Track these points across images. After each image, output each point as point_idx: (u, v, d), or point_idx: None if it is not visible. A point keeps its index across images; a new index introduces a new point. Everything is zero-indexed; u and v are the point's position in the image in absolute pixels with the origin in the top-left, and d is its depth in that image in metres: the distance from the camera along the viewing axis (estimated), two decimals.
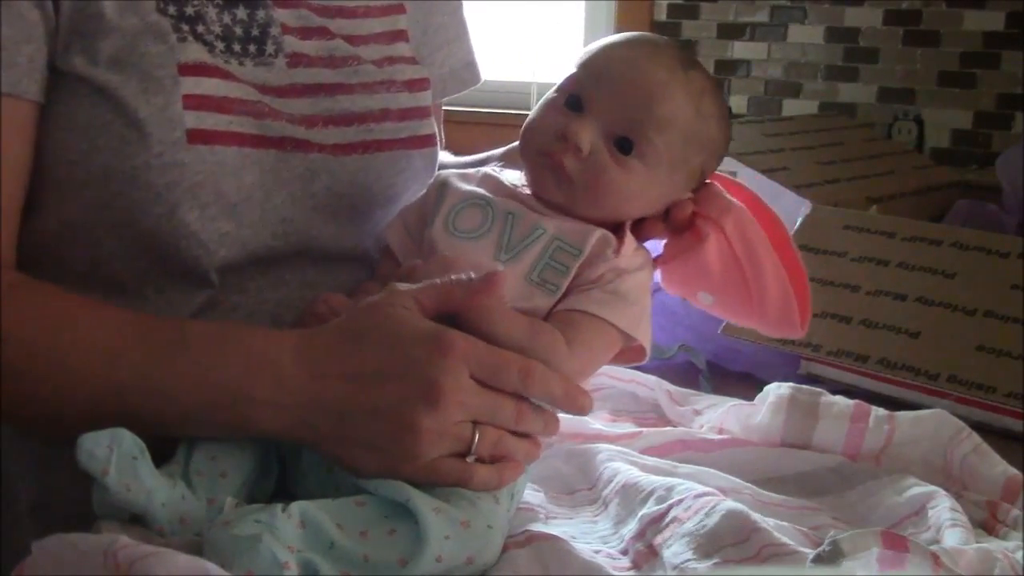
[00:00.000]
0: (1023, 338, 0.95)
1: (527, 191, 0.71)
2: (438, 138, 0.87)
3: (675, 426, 0.85)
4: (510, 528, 0.64)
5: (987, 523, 0.69)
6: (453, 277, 0.63)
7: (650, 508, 0.65)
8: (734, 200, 0.73)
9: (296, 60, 0.76)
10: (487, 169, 0.74)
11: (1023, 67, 2.27)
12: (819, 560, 0.54)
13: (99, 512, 0.59)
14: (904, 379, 0.96)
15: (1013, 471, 0.72)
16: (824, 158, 1.58)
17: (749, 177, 1.38)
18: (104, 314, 0.66)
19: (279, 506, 0.56)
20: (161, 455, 0.62)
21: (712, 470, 0.73)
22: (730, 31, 2.55)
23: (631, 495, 0.68)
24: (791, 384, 0.81)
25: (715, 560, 0.59)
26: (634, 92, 0.68)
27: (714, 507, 0.62)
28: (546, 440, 0.80)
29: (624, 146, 0.68)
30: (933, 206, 1.55)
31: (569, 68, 0.72)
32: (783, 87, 2.51)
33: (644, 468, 0.72)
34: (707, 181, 0.74)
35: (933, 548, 0.56)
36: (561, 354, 0.65)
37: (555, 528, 0.65)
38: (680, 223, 0.72)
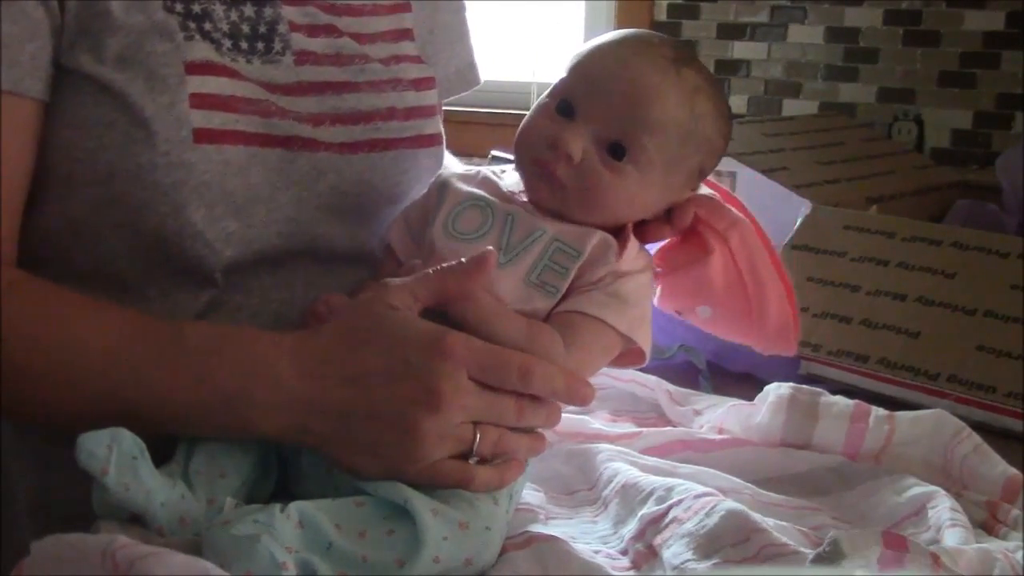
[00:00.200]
0: (1023, 338, 0.95)
1: (525, 197, 0.71)
2: (443, 137, 0.87)
3: (675, 426, 0.85)
4: (509, 529, 0.64)
5: (987, 523, 0.69)
6: (444, 266, 0.63)
7: (650, 508, 0.65)
8: (739, 214, 0.73)
9: (303, 58, 0.76)
10: (487, 172, 0.74)
11: (1023, 67, 2.27)
12: (819, 560, 0.54)
13: (98, 511, 0.59)
14: (904, 379, 0.96)
15: (1013, 471, 0.72)
16: (824, 158, 1.57)
17: (749, 177, 1.38)
18: (104, 313, 0.66)
19: (278, 506, 0.56)
20: (161, 455, 0.62)
21: (712, 470, 0.73)
22: (730, 31, 2.55)
23: (631, 495, 0.68)
24: (791, 384, 0.81)
25: (715, 560, 0.59)
26: (624, 97, 0.67)
27: (714, 507, 0.62)
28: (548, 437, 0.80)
29: (617, 151, 0.67)
30: (933, 206, 1.55)
31: (561, 71, 0.71)
32: (783, 87, 2.51)
33: (644, 468, 0.72)
34: (711, 196, 0.73)
35: (933, 548, 0.56)
36: (559, 355, 0.64)
37: (555, 529, 0.65)
38: (683, 226, 0.72)
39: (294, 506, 0.56)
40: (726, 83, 2.55)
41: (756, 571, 0.57)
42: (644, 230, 0.72)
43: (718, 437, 0.80)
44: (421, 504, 0.57)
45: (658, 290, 0.76)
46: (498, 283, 0.66)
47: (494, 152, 2.04)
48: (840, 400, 0.80)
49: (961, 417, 0.77)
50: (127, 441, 0.58)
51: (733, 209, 0.73)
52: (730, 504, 0.63)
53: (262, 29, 0.74)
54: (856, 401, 0.80)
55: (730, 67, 2.56)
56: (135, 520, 0.59)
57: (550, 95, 0.70)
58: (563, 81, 0.70)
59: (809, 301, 1.05)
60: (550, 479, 0.75)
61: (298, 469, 0.66)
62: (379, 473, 0.59)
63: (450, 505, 0.59)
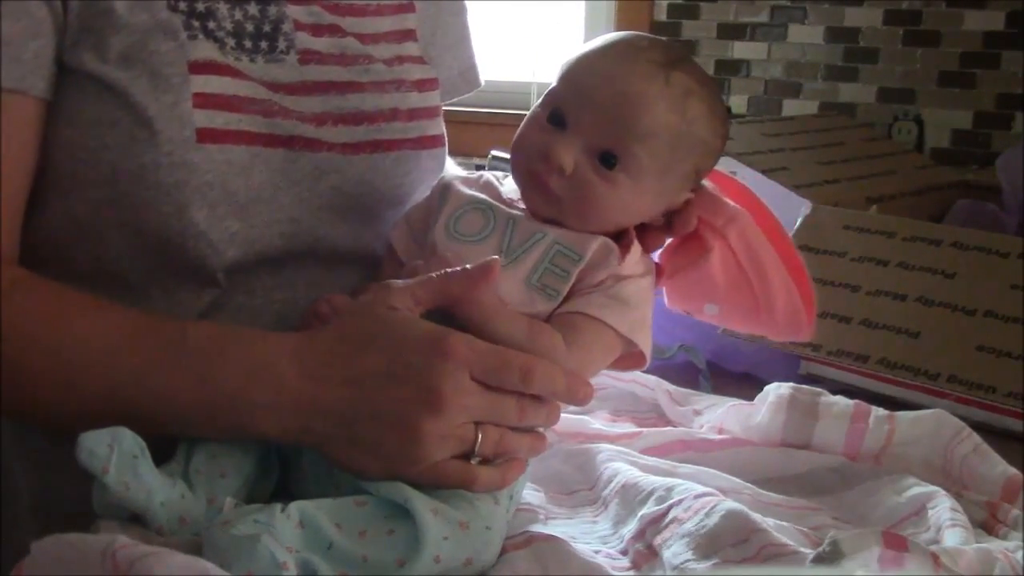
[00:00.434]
0: (1023, 338, 0.95)
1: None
2: (446, 139, 0.87)
3: (675, 426, 0.85)
4: (509, 529, 0.64)
5: (987, 523, 0.69)
6: (448, 271, 0.63)
7: (650, 508, 0.65)
8: (735, 206, 0.72)
9: (308, 57, 0.76)
10: (489, 176, 0.74)
11: (1023, 67, 2.27)
12: (819, 560, 0.54)
13: (99, 511, 0.59)
14: (904, 379, 0.96)
15: (1013, 471, 0.72)
16: (824, 158, 1.57)
17: (749, 177, 1.38)
18: (106, 313, 0.66)
19: (278, 506, 0.56)
20: (162, 455, 0.62)
21: (712, 470, 0.73)
22: (730, 31, 2.55)
23: (631, 495, 0.68)
24: (791, 384, 0.81)
25: (715, 560, 0.59)
26: (613, 106, 0.67)
27: (714, 507, 0.62)
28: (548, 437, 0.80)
29: (608, 160, 0.67)
30: (933, 206, 1.55)
31: (552, 80, 0.71)
32: (783, 87, 2.51)
33: (644, 468, 0.72)
34: (706, 188, 0.73)
35: (933, 548, 0.56)
36: (560, 355, 0.64)
37: (555, 528, 0.65)
38: (685, 231, 0.72)
39: (294, 506, 0.56)
40: (726, 83, 2.55)
41: (756, 571, 0.57)
42: (644, 236, 0.72)
43: (718, 437, 0.80)
44: (422, 504, 0.57)
45: (664, 292, 0.76)
46: (499, 286, 0.66)
47: (494, 152, 2.04)
48: (840, 400, 0.80)
49: (961, 417, 0.77)
50: (128, 440, 0.58)
51: (730, 202, 0.72)
52: (730, 504, 0.63)
53: (266, 28, 0.74)
54: (856, 401, 0.79)
55: (730, 67, 2.56)
56: (135, 520, 0.59)
57: (542, 105, 0.70)
58: (554, 90, 0.70)
59: None
60: (550, 479, 0.75)
61: (298, 469, 0.66)
62: (381, 474, 0.59)
63: (450, 505, 0.59)
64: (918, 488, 0.70)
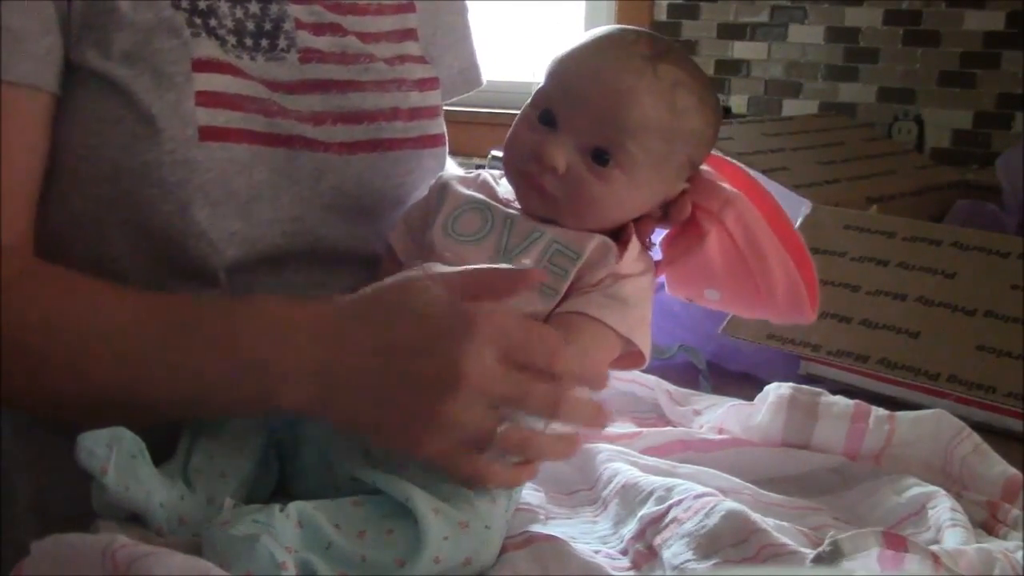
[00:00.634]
0: (1023, 338, 0.95)
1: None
2: (446, 138, 0.86)
3: (675, 426, 0.85)
4: (509, 529, 0.64)
5: (987, 523, 0.69)
6: (489, 267, 0.62)
7: (650, 508, 0.65)
8: (731, 189, 0.72)
9: (308, 56, 0.76)
10: (486, 175, 0.74)
11: (1023, 67, 2.27)
12: (819, 560, 0.54)
13: (98, 511, 0.59)
14: (904, 379, 0.96)
15: (1013, 471, 0.72)
16: (824, 158, 1.57)
17: None
18: (118, 293, 0.65)
19: (277, 506, 0.56)
20: (162, 454, 0.62)
21: (712, 470, 0.73)
22: (730, 31, 2.55)
23: (631, 495, 0.68)
24: (791, 384, 0.81)
25: (715, 560, 0.59)
26: (602, 103, 0.66)
27: (714, 507, 0.62)
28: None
29: (601, 157, 0.67)
30: (933, 206, 1.55)
31: (541, 78, 0.71)
32: (783, 87, 2.51)
33: (644, 468, 0.72)
34: (699, 173, 0.73)
35: (933, 548, 0.56)
36: None
37: (554, 529, 0.65)
38: (681, 220, 0.72)
39: (293, 506, 0.56)
40: (726, 83, 2.55)
41: (756, 571, 0.57)
42: (640, 227, 0.72)
43: (718, 437, 0.80)
44: (423, 503, 0.57)
45: (664, 279, 0.76)
46: None
47: (494, 152, 2.04)
48: (840, 400, 0.80)
49: (961, 417, 0.77)
50: (127, 441, 0.58)
51: (725, 185, 0.72)
52: (730, 504, 0.63)
53: (267, 26, 0.74)
54: (856, 401, 0.79)
55: (730, 67, 2.56)
56: (134, 520, 0.59)
57: (532, 104, 0.70)
58: (542, 89, 0.70)
59: None
60: (550, 479, 0.75)
61: (297, 469, 0.66)
62: (396, 449, 0.59)
63: (451, 504, 0.59)
64: (918, 488, 0.70)
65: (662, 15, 2.59)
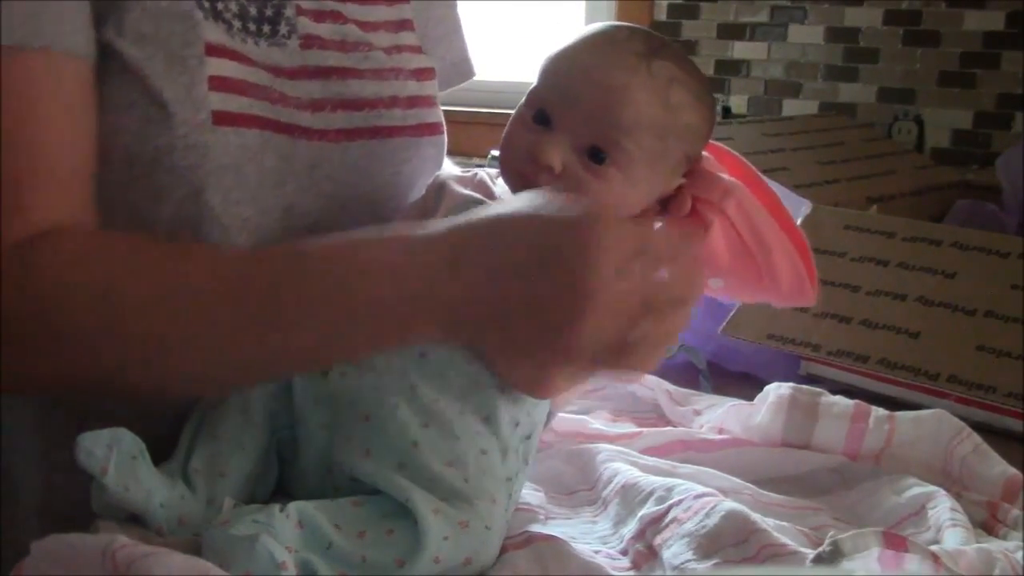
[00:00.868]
0: (1023, 338, 0.95)
1: None
2: (444, 127, 0.86)
3: (675, 426, 0.85)
4: (509, 529, 0.64)
5: (987, 523, 0.69)
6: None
7: (650, 508, 0.65)
8: (730, 179, 0.71)
9: (309, 42, 0.76)
10: (483, 175, 0.74)
11: (1023, 67, 2.27)
12: (819, 560, 0.54)
13: (98, 511, 0.59)
14: (904, 379, 0.96)
15: (1013, 471, 0.72)
16: (824, 158, 1.58)
17: None
18: (207, 250, 0.62)
19: (277, 506, 0.56)
20: (161, 455, 0.62)
21: (712, 470, 0.73)
22: (730, 31, 2.55)
23: (631, 495, 0.68)
24: (791, 384, 0.81)
25: (715, 560, 0.59)
26: (596, 102, 0.66)
27: (714, 507, 0.62)
28: (547, 437, 0.79)
29: (597, 156, 0.66)
30: (933, 206, 1.55)
31: (534, 77, 0.71)
32: (783, 87, 2.51)
33: (644, 468, 0.72)
34: (704, 156, 0.73)
35: (933, 548, 0.56)
36: None
37: (554, 529, 0.65)
38: (682, 215, 0.72)
39: (293, 506, 0.56)
40: (726, 83, 2.55)
41: (756, 571, 0.57)
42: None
43: (718, 437, 0.80)
44: (423, 503, 0.57)
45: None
46: None
47: (493, 152, 2.04)
48: (840, 400, 0.80)
49: (961, 417, 0.77)
50: (127, 441, 0.58)
51: (724, 175, 0.72)
52: (730, 504, 0.63)
53: (269, 12, 0.74)
54: (856, 401, 0.79)
55: (730, 67, 2.56)
56: (134, 520, 0.59)
57: (526, 104, 0.70)
58: (536, 89, 0.70)
59: None
60: (550, 479, 0.75)
61: (297, 469, 0.66)
62: (533, 370, 0.59)
63: (450, 504, 0.59)
64: (918, 488, 0.70)
65: (662, 15, 2.59)
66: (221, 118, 0.68)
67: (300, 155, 0.73)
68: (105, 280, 0.61)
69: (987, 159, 2.13)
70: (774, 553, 0.58)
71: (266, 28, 0.73)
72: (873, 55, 2.41)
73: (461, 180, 0.73)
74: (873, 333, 1.01)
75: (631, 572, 0.62)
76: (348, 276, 0.59)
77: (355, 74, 0.77)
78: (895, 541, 0.54)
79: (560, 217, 0.58)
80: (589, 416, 0.86)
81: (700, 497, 0.64)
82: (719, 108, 2.46)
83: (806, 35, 2.48)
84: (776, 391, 0.81)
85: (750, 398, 0.83)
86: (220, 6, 0.70)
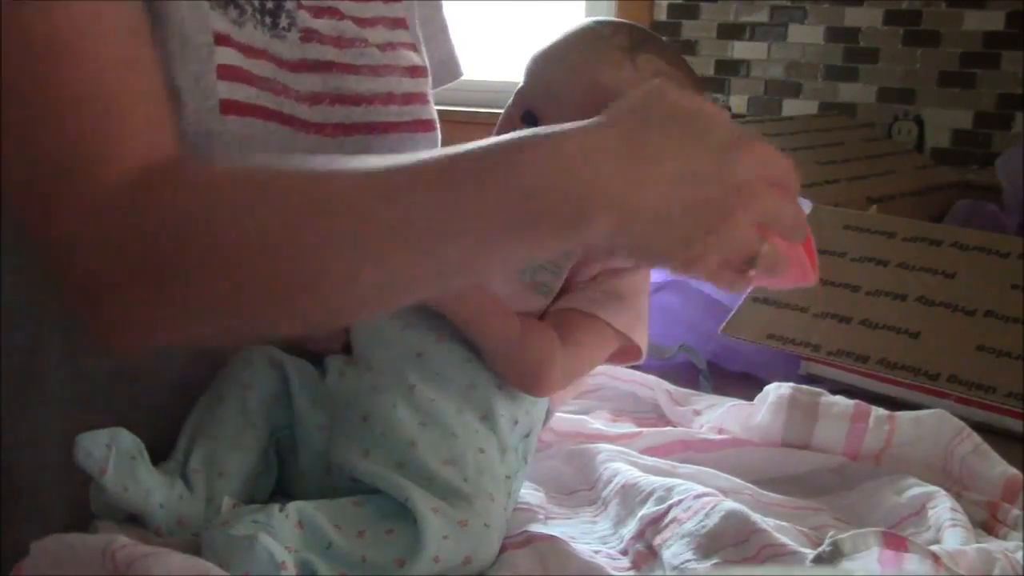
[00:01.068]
0: (1023, 338, 0.95)
1: None
2: (437, 124, 0.86)
3: (675, 426, 0.85)
4: (509, 528, 0.64)
5: (987, 523, 0.69)
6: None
7: (650, 508, 0.65)
8: None
9: (308, 36, 0.75)
10: None
11: (1023, 67, 2.26)
12: (819, 560, 0.54)
13: (96, 511, 0.59)
14: (904, 379, 0.96)
15: (1013, 471, 0.72)
16: (824, 158, 1.58)
17: None
18: (355, 168, 0.58)
19: (276, 506, 0.56)
20: (161, 455, 0.62)
21: (712, 470, 0.73)
22: (730, 31, 2.55)
23: (631, 495, 0.68)
24: (791, 384, 0.81)
25: (715, 560, 0.59)
26: (583, 99, 0.65)
27: (714, 507, 0.62)
28: (547, 437, 0.79)
29: None
30: (933, 206, 1.55)
31: (520, 76, 0.71)
32: (783, 87, 2.51)
33: (644, 468, 0.72)
34: None
35: (933, 548, 0.56)
36: (555, 352, 0.64)
37: (554, 528, 0.65)
38: None
39: (293, 506, 0.56)
40: (726, 83, 2.55)
41: (756, 571, 0.57)
42: None
43: (718, 437, 0.80)
44: (422, 503, 0.57)
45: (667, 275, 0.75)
46: (491, 285, 0.66)
47: None
48: (840, 400, 0.80)
49: (961, 417, 0.77)
50: (126, 441, 0.58)
51: None
52: (730, 504, 0.63)
53: (270, 4, 0.74)
54: (856, 401, 0.79)
55: (730, 67, 2.56)
56: (133, 520, 0.59)
57: (514, 104, 0.70)
58: (522, 88, 0.70)
59: (809, 301, 1.05)
60: (550, 479, 0.75)
61: (297, 469, 0.66)
62: (678, 270, 0.58)
63: (449, 503, 0.59)
64: (918, 488, 0.70)
65: (662, 15, 2.59)
66: (228, 107, 0.67)
67: (299, 147, 0.73)
68: (250, 197, 0.57)
69: (987, 159, 2.13)
70: (774, 553, 0.58)
71: (267, 20, 0.73)
72: (873, 55, 2.41)
73: None
74: (873, 333, 1.01)
75: (631, 572, 0.62)
76: (513, 172, 0.55)
77: (351, 70, 0.77)
78: (895, 541, 0.54)
79: (720, 123, 0.57)
80: (589, 416, 0.86)
81: (700, 497, 0.64)
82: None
83: (806, 35, 2.47)
84: (776, 391, 0.81)
85: (750, 398, 0.83)
86: None
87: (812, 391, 0.81)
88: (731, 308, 1.07)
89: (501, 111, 0.72)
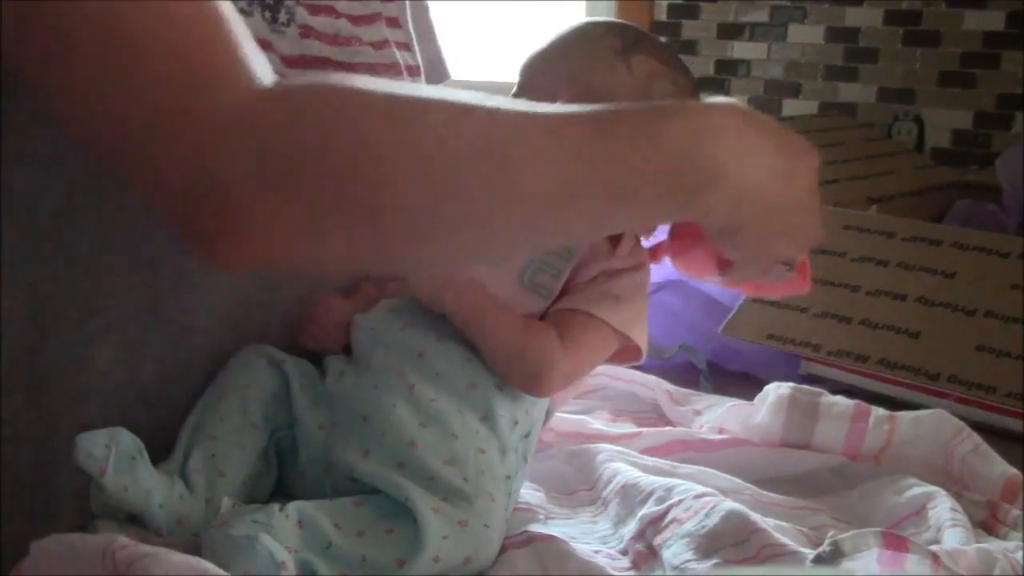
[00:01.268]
0: (1023, 338, 0.95)
1: None
2: None
3: (675, 426, 0.85)
4: (509, 528, 0.64)
5: (987, 523, 0.69)
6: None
7: (650, 508, 0.65)
8: None
9: (307, 32, 0.76)
10: None
11: (1023, 67, 2.27)
12: (819, 560, 0.54)
13: (96, 511, 0.59)
14: (904, 379, 0.96)
15: (1013, 471, 0.72)
16: (824, 158, 1.56)
17: None
18: (505, 110, 0.56)
19: (276, 506, 0.56)
20: (160, 455, 0.62)
21: (712, 470, 0.73)
22: (730, 31, 2.55)
23: (631, 495, 0.68)
24: (791, 384, 0.81)
25: (715, 560, 0.59)
26: (576, 102, 0.63)
27: (714, 507, 0.62)
28: (547, 437, 0.79)
29: None
30: (933, 206, 1.55)
31: (515, 79, 0.70)
32: (783, 87, 2.51)
33: (644, 468, 0.72)
34: None
35: (933, 548, 0.56)
36: (555, 352, 0.64)
37: (554, 528, 0.65)
38: None
39: (293, 506, 0.56)
40: (726, 83, 2.55)
41: (756, 571, 0.57)
42: None
43: (718, 437, 0.80)
44: (422, 502, 0.57)
45: (669, 259, 0.75)
46: (490, 287, 0.66)
47: None
48: (840, 400, 0.80)
49: (961, 417, 0.77)
50: (126, 441, 0.58)
51: None
52: (730, 504, 0.62)
53: (270, 0, 0.74)
54: (856, 401, 0.79)
55: (730, 67, 2.56)
56: (133, 520, 0.59)
57: None
58: (517, 92, 0.69)
59: (809, 301, 1.05)
60: (550, 479, 0.75)
61: (296, 469, 0.66)
62: (769, 259, 0.63)
63: (449, 503, 0.59)
64: (918, 488, 0.70)
65: (662, 15, 2.59)
66: None
67: None
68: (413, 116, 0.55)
69: (987, 159, 2.13)
70: (774, 553, 0.58)
71: (267, 15, 0.73)
72: (873, 55, 2.41)
73: None
74: (873, 333, 1.01)
75: (631, 572, 0.62)
76: (658, 136, 0.56)
77: (347, 67, 0.77)
78: (895, 541, 0.54)
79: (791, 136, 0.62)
80: (589, 416, 0.86)
81: (700, 497, 0.64)
82: None
83: (806, 35, 2.47)
84: (776, 391, 0.81)
85: (750, 398, 0.83)
86: None
87: (812, 391, 0.81)
88: (731, 308, 1.07)
89: None
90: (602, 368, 0.81)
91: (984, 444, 0.74)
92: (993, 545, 0.62)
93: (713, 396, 0.90)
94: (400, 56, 0.83)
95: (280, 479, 0.66)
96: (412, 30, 0.91)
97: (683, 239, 0.73)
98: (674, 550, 0.60)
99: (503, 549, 0.61)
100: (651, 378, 0.91)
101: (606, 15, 2.64)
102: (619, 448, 0.77)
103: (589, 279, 0.68)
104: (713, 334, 1.05)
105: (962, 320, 0.99)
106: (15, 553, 0.52)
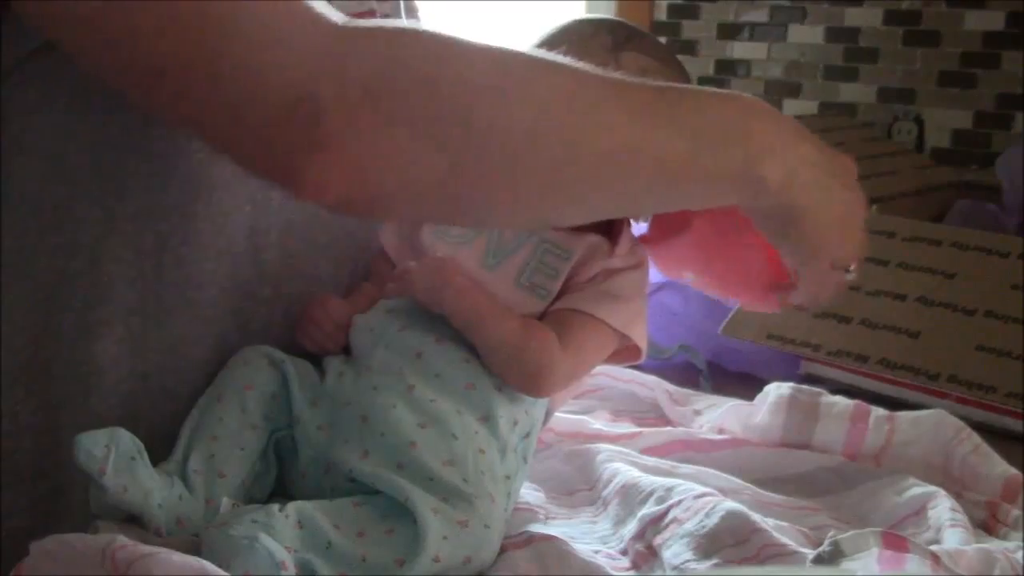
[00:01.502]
0: (1023, 338, 0.95)
1: None
2: None
3: (675, 426, 0.85)
4: (509, 529, 0.64)
5: (987, 523, 0.69)
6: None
7: (650, 508, 0.65)
8: None
9: None
10: None
11: (1023, 67, 2.26)
12: (819, 560, 0.54)
13: (96, 511, 0.59)
14: (904, 379, 0.96)
15: (1013, 471, 0.72)
16: None
17: None
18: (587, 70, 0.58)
19: (276, 506, 0.56)
20: (160, 455, 0.62)
21: (712, 470, 0.73)
22: (730, 31, 2.55)
23: (631, 495, 0.68)
24: (791, 384, 0.81)
25: (715, 560, 0.59)
26: None
27: (714, 507, 0.62)
28: (547, 437, 0.79)
29: None
30: (933, 206, 1.55)
31: None
32: (783, 87, 2.51)
33: (644, 468, 0.72)
34: None
35: (933, 548, 0.56)
36: (554, 353, 0.64)
37: (554, 528, 0.65)
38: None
39: (293, 506, 0.56)
40: (726, 83, 2.55)
41: (756, 571, 0.57)
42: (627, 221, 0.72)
43: (718, 437, 0.80)
44: (422, 503, 0.57)
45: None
46: (489, 287, 0.66)
47: None
48: (840, 400, 0.80)
49: (961, 417, 0.77)
50: (125, 441, 0.58)
51: None
52: (730, 504, 0.62)
53: None
54: (856, 401, 0.79)
55: (730, 67, 2.56)
56: (132, 520, 0.59)
57: None
58: None
59: None
60: (550, 479, 0.75)
61: (296, 469, 0.66)
62: (819, 248, 0.64)
63: (449, 503, 0.59)
64: (918, 488, 0.70)
65: (662, 15, 2.59)
66: None
67: None
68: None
69: (987, 159, 2.13)
70: (774, 553, 0.58)
71: None
72: (873, 55, 2.41)
73: None
74: (873, 333, 1.01)
75: (631, 572, 0.62)
76: (718, 108, 0.60)
77: None
78: (895, 541, 0.54)
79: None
80: (589, 416, 0.86)
81: (700, 497, 0.64)
82: None
83: (806, 35, 2.47)
84: (776, 391, 0.81)
85: (750, 398, 0.83)
86: None
87: (812, 391, 0.81)
88: (731, 308, 1.07)
89: None
90: (602, 368, 0.81)
91: (984, 444, 0.74)
92: (993, 545, 0.62)
93: (713, 396, 0.90)
94: None
95: (280, 479, 0.66)
96: None
97: (664, 228, 0.73)
98: (674, 550, 0.60)
99: (503, 549, 0.61)
100: (651, 378, 0.91)
101: (606, 15, 2.64)
102: (619, 448, 0.77)
103: (588, 279, 0.68)
104: (713, 334, 1.05)
105: (962, 320, 0.99)
106: (17, 548, 0.52)
